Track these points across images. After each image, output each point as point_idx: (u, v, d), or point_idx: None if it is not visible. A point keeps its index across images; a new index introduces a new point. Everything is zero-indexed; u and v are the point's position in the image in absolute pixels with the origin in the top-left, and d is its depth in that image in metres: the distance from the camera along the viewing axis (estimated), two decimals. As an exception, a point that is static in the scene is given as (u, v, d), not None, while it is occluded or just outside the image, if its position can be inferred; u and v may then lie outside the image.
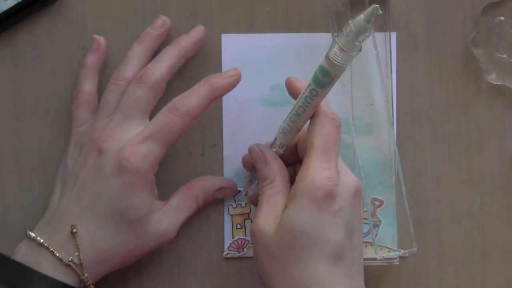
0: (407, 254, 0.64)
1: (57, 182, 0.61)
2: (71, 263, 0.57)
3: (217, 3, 0.64)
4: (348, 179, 0.56)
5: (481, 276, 0.65)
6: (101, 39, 0.62)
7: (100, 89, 0.63)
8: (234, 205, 0.65)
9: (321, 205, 0.53)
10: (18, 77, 0.64)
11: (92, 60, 0.62)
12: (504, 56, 0.64)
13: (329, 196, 0.53)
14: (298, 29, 0.64)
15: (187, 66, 0.64)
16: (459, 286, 0.65)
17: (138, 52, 0.61)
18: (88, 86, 0.62)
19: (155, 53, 0.62)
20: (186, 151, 0.65)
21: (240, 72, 0.60)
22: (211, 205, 0.65)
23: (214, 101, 0.59)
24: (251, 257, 0.65)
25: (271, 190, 0.56)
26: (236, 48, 0.65)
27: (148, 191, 0.58)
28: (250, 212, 0.65)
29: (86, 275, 0.57)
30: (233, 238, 0.65)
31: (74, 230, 0.57)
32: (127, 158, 0.56)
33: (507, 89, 0.65)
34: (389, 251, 0.64)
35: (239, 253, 0.65)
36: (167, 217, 0.60)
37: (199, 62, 0.65)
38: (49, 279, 0.56)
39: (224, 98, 0.64)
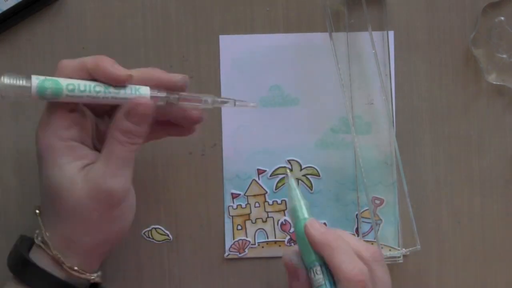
0: (408, 252, 0.64)
1: None
2: (41, 244, 0.56)
3: (217, 3, 0.64)
4: None
5: (481, 276, 0.65)
6: None
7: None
8: (235, 206, 0.65)
9: None
10: (18, 77, 0.64)
11: None
12: (504, 56, 0.64)
13: None
14: (298, 29, 0.65)
15: (187, 66, 0.64)
16: (459, 286, 0.65)
17: None
18: None
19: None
20: (186, 151, 0.65)
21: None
22: (212, 206, 0.65)
23: None
24: (251, 258, 0.65)
25: None
26: (234, 49, 0.65)
27: (61, 160, 0.55)
28: (251, 213, 0.65)
29: (55, 252, 0.56)
30: (233, 239, 0.65)
31: (37, 211, 0.57)
32: (35, 133, 0.56)
33: (507, 89, 0.65)
34: (390, 250, 0.64)
35: (240, 254, 0.65)
36: (96, 172, 0.55)
37: (199, 63, 0.65)
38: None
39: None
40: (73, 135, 0.55)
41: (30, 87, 0.52)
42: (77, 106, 0.56)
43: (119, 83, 0.55)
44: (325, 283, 0.54)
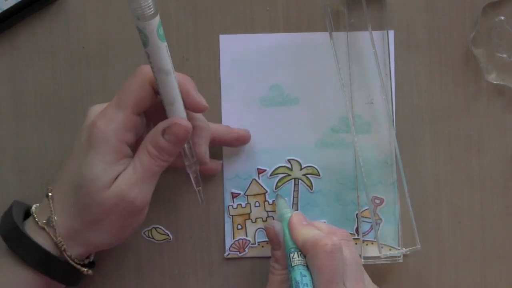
0: (408, 252, 0.64)
1: None
2: (45, 226, 0.57)
3: (216, 3, 0.65)
4: None
5: (481, 276, 0.65)
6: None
7: (104, 84, 0.63)
8: (235, 206, 0.65)
9: None
10: (18, 77, 0.64)
11: None
12: (504, 55, 0.64)
13: None
14: (298, 29, 0.65)
15: (187, 66, 0.64)
16: (459, 286, 0.65)
17: None
18: None
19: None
20: (187, 151, 0.65)
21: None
22: (212, 206, 0.65)
23: None
24: (251, 258, 0.65)
25: (283, 276, 0.58)
26: (234, 48, 0.65)
27: (109, 158, 0.56)
28: (251, 212, 0.65)
29: (59, 239, 0.56)
30: (234, 238, 0.65)
31: (50, 194, 0.58)
32: (94, 121, 0.56)
33: (507, 89, 0.65)
34: (390, 249, 0.64)
35: (240, 253, 0.65)
36: (124, 180, 0.56)
37: (198, 62, 0.65)
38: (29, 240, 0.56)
39: (223, 98, 0.64)
40: (128, 138, 0.56)
41: (155, 18, 0.53)
42: (142, 110, 0.57)
43: (195, 110, 0.57)
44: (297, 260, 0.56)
